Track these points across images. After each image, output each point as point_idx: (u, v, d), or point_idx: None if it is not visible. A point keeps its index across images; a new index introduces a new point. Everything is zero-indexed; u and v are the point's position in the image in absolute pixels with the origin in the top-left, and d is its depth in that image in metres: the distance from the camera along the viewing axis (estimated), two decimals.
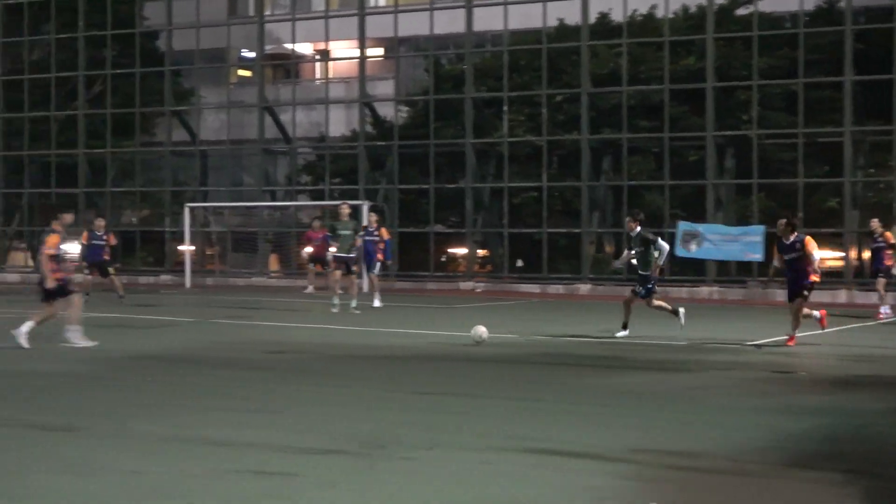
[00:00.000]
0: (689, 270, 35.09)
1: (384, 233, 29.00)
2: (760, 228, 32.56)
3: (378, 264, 28.39)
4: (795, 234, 18.20)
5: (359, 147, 40.73)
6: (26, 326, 17.01)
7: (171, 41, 43.75)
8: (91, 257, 29.95)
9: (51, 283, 17.22)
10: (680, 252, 33.22)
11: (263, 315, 24.74)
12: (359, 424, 10.24)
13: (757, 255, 32.50)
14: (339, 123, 43.54)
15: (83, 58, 44.23)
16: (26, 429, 9.88)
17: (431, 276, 39.38)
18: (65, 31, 44.93)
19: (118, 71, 44.12)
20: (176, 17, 43.60)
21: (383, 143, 40.90)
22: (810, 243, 18.16)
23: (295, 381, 13.57)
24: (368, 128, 41.84)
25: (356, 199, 38.80)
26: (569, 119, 38.18)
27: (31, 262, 46.09)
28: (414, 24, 41.03)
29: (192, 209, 40.67)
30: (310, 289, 33.98)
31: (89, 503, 7.23)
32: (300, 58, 49.34)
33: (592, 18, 38.13)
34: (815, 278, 18.19)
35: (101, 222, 30.57)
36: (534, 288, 36.73)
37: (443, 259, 43.30)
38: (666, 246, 19.63)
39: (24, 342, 16.79)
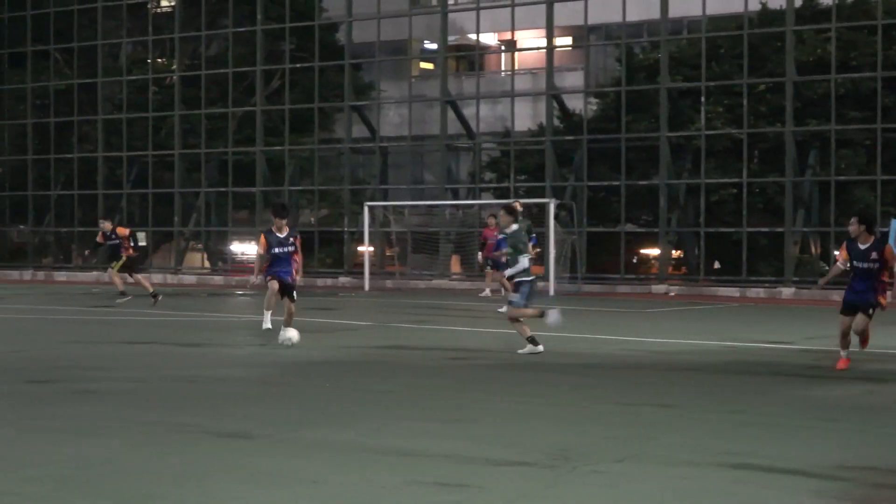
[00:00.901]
0: None
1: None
2: None
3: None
4: (873, 238, 15.16)
5: (545, 142, 40.67)
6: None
7: (350, 33, 44.31)
8: (112, 256, 29.88)
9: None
10: None
11: (445, 319, 24.87)
12: (545, 435, 10.21)
13: None
14: (525, 117, 43.52)
15: (261, 52, 45.13)
16: (204, 435, 10.09)
17: (622, 278, 39.04)
18: (242, 24, 45.93)
19: (297, 65, 44.96)
20: (356, 9, 44.14)
21: (571, 138, 40.78)
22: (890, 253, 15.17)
23: (477, 388, 13.59)
24: (556, 121, 41.74)
25: (542, 196, 38.79)
26: (772, 110, 37.50)
27: (207, 264, 47.29)
28: (605, 11, 40.73)
29: (371, 208, 41.07)
30: (486, 291, 33.99)
31: None
32: (485, 49, 49.55)
33: (798, 2, 37.43)
34: (883, 301, 15.34)
35: (107, 224, 30.19)
36: (732, 291, 36.16)
37: (634, 260, 42.99)
38: None
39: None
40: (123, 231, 29.66)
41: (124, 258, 29.21)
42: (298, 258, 19.51)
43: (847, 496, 7.99)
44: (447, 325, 23.32)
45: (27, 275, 47.95)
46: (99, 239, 30.21)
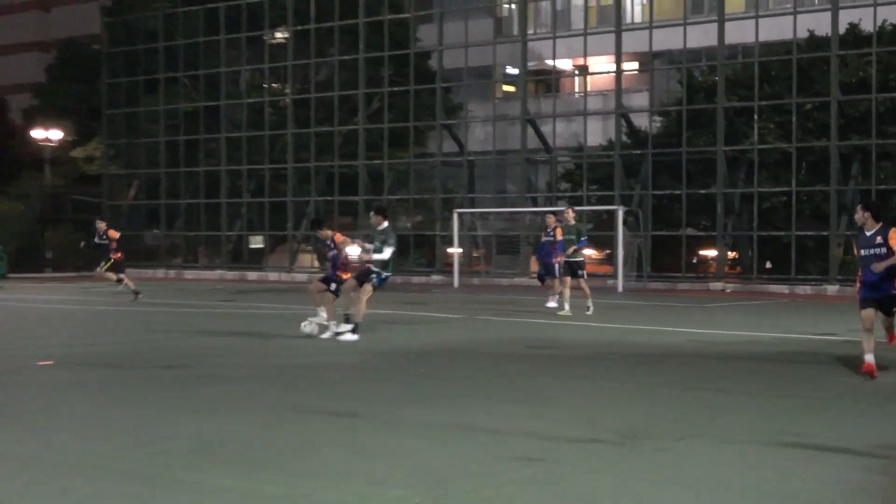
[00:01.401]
0: None
1: (559, 233, 25.63)
2: None
3: (556, 266, 25.33)
4: (880, 224, 13.27)
5: (615, 155, 40.53)
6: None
7: (441, 60, 44.49)
8: (102, 256, 29.38)
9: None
10: None
11: (525, 313, 24.85)
12: (615, 416, 10.20)
13: None
14: (597, 133, 43.41)
15: (363, 77, 45.41)
16: (316, 414, 10.20)
17: (683, 276, 38.83)
18: (347, 53, 46.24)
19: (394, 88, 45.15)
20: (446, 38, 44.32)
21: (638, 152, 40.59)
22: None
23: (554, 374, 13.59)
24: (624, 137, 41.58)
25: (612, 204, 38.68)
26: (818, 126, 37.07)
27: (315, 264, 47.65)
28: (668, 39, 40.58)
29: (460, 214, 41.21)
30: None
31: (375, 480, 7.44)
32: (560, 73, 49.40)
33: (842, 29, 36.96)
34: None
35: (102, 225, 29.82)
36: (782, 289, 35.76)
37: (694, 261, 42.63)
38: None
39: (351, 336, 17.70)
40: (114, 234, 29.18)
41: (112, 260, 28.87)
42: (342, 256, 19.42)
43: (890, 471, 7.91)
44: (527, 318, 23.29)
45: (160, 273, 48.63)
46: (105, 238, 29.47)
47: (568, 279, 24.16)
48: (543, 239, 26.83)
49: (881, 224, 13.20)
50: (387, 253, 17.84)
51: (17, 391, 11.85)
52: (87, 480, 7.48)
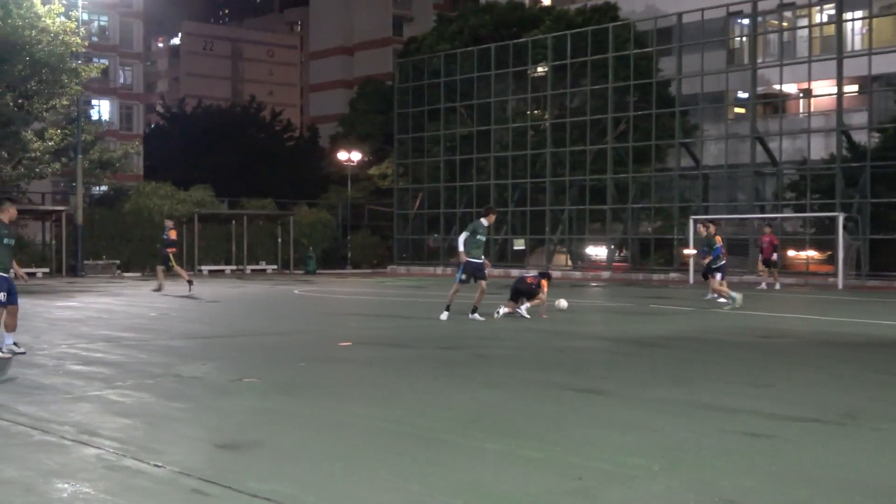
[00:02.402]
0: None
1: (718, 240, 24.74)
2: None
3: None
4: None
5: (835, 168, 38.86)
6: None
7: (680, 87, 43.73)
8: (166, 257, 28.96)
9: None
10: None
11: (753, 306, 24.11)
12: (836, 398, 9.75)
13: None
14: (819, 149, 41.75)
15: (611, 103, 45.12)
16: (570, 391, 10.18)
17: None
18: (597, 83, 46.06)
19: (638, 112, 44.70)
20: (685, 68, 43.53)
21: (857, 164, 38.80)
22: None
23: (780, 360, 13.12)
24: (844, 151, 39.79)
25: (833, 211, 37.18)
26: None
27: (569, 263, 47.63)
28: (886, 63, 38.76)
29: (695, 221, 40.40)
30: (762, 285, 33.08)
31: (620, 450, 7.36)
32: (786, 96, 47.69)
33: None
34: None
35: (169, 222, 29.63)
36: None
37: None
38: None
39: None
40: (174, 234, 29.12)
41: (171, 257, 28.79)
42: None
43: None
44: (755, 311, 22.58)
45: (439, 270, 49.66)
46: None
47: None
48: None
49: None
50: (460, 239, 18.60)
51: (325, 366, 12.30)
52: (374, 440, 7.69)
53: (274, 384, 10.51)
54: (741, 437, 7.85)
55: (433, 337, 15.82)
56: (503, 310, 19.65)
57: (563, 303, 21.77)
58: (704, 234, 24.31)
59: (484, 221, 18.76)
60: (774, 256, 33.29)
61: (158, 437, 7.72)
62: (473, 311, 18.92)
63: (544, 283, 20.17)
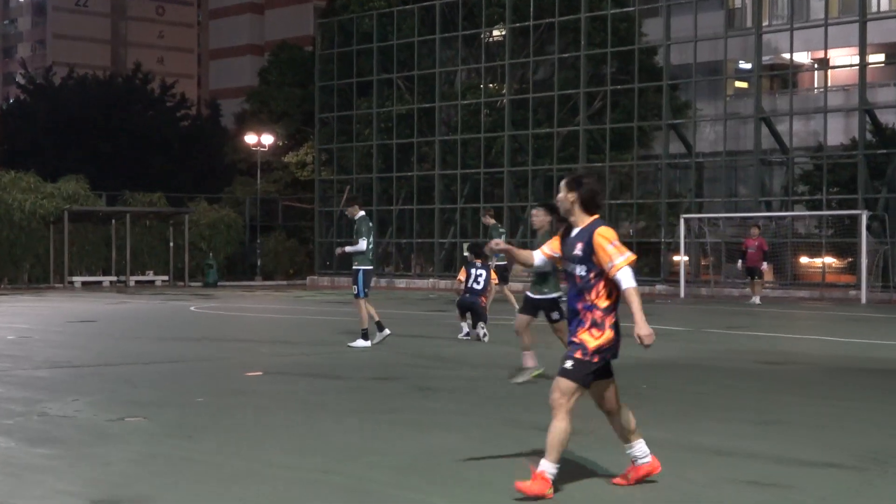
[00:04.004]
0: None
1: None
2: None
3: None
4: None
5: (858, 155, 39.35)
6: None
7: (668, 56, 44.02)
8: None
9: None
10: None
11: (757, 325, 24.37)
12: (855, 438, 9.89)
13: None
14: (838, 132, 42.23)
15: (584, 75, 45.35)
16: (527, 430, 10.16)
17: None
18: (567, 50, 46.30)
19: (617, 87, 44.99)
20: (674, 32, 43.87)
21: (884, 151, 39.33)
22: None
23: (788, 391, 13.27)
24: (868, 135, 40.31)
25: (854, 208, 37.57)
26: None
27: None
28: None
29: (687, 220, 40.74)
30: (755, 299, 33.33)
31: (610, 500, 7.38)
32: (798, 67, 48.28)
33: None
34: None
35: None
36: None
37: None
38: None
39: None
40: None
41: None
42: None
43: None
44: (759, 330, 22.83)
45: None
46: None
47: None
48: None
49: None
50: (361, 244, 18.91)
51: (229, 401, 12.25)
52: (291, 494, 7.67)
53: (164, 424, 10.45)
54: (742, 485, 7.95)
55: (364, 365, 15.81)
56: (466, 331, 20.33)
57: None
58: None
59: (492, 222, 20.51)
60: (764, 266, 33.60)
61: (21, 493, 7.65)
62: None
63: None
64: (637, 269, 39.92)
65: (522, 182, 47.52)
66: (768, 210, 42.44)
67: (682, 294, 38.68)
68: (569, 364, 7.54)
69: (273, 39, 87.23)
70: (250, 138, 58.37)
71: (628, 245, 40.90)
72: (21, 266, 46.88)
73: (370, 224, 19.36)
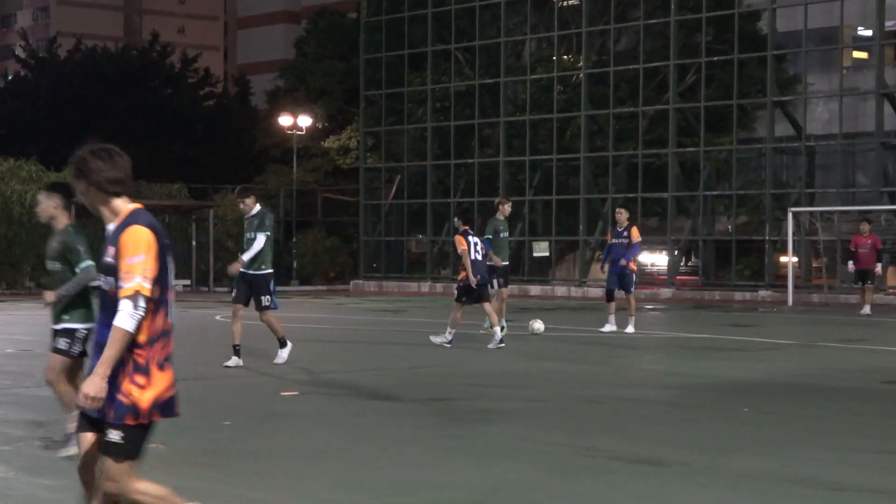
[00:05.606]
0: None
1: (634, 233, 24.32)
2: None
3: (631, 276, 24.12)
4: None
5: None
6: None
7: (774, 22, 43.68)
8: None
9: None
10: None
11: (880, 337, 24.14)
12: None
13: None
14: None
15: (675, 45, 45.11)
16: (613, 461, 10.18)
17: None
18: (654, 15, 46.10)
19: (714, 58, 44.73)
20: None
21: None
22: None
23: None
24: None
25: None
26: None
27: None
28: None
29: (796, 214, 40.38)
30: (866, 309, 32.26)
31: None
32: None
33: None
34: None
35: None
36: None
37: None
38: None
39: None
40: None
41: None
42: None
43: None
44: (881, 344, 22.62)
45: (425, 287, 49.56)
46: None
47: None
48: (614, 241, 25.03)
49: None
50: (259, 242, 18.13)
51: (261, 425, 12.30)
52: None
53: (186, 452, 10.51)
54: None
55: (416, 383, 15.82)
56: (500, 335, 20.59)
57: (537, 325, 22.43)
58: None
59: (500, 217, 19.45)
60: (878, 268, 32.57)
61: None
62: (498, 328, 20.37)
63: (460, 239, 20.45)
64: (737, 272, 39.70)
65: (602, 170, 47.36)
66: (892, 202, 42.04)
67: (790, 301, 38.37)
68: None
69: (311, 5, 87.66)
70: (284, 120, 58.59)
71: (727, 245, 40.64)
72: (21, 268, 47.32)
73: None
